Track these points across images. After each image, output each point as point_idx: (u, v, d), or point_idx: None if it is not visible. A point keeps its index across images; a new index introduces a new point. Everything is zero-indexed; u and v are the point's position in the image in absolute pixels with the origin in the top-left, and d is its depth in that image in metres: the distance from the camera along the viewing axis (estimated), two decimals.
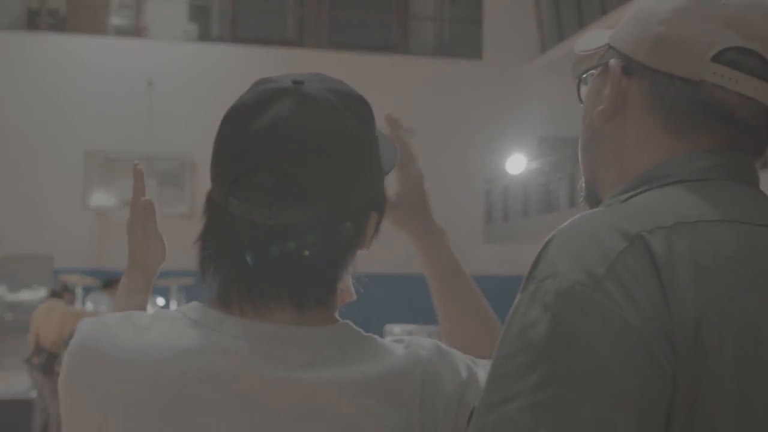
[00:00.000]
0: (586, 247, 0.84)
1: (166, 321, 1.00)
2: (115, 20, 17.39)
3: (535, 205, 16.40)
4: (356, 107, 1.02)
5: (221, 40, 17.29)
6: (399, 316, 12.91)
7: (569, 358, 0.78)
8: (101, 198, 15.50)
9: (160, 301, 7.60)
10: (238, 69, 16.47)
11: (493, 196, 17.73)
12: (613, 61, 0.99)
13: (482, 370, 1.05)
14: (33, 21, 16.82)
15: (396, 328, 8.59)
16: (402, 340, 1.04)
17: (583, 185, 1.08)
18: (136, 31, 17.17)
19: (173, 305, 8.74)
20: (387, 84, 17.32)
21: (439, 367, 1.01)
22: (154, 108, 15.68)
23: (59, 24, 16.83)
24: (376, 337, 1.03)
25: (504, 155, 16.99)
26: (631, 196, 0.93)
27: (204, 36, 17.52)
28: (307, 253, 0.97)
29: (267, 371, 0.95)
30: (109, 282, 9.05)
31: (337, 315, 1.05)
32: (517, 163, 16.78)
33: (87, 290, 11.41)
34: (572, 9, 16.96)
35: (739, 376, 0.81)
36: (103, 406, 0.96)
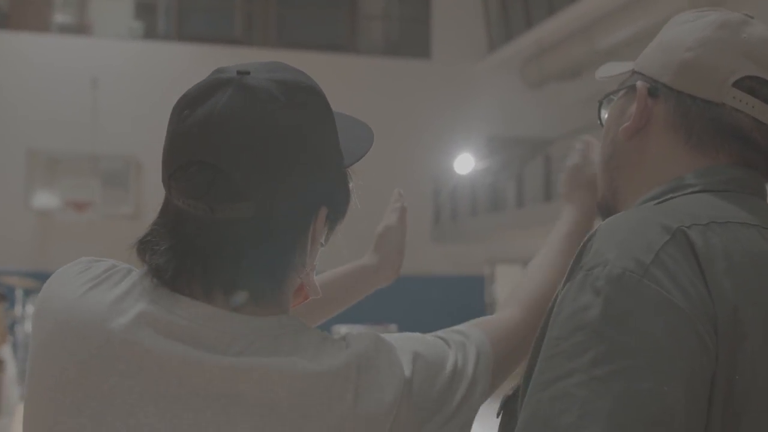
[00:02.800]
0: (631, 239, 0.92)
1: (117, 278, 1.01)
2: (59, 17, 17.13)
3: (483, 204, 16.50)
4: (301, 97, 0.99)
5: (167, 38, 17.12)
6: (347, 317, 12.89)
7: (622, 336, 0.86)
8: (44, 198, 15.24)
9: None
10: (184, 67, 16.32)
11: (442, 195, 17.80)
12: (639, 83, 1.10)
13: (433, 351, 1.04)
14: None
15: (343, 329, 8.57)
16: (344, 337, 1.02)
17: (599, 199, 1.19)
18: (80, 28, 16.93)
19: None
20: (335, 83, 17.25)
21: (377, 361, 0.99)
22: (98, 106, 15.46)
23: (1, 21, 16.53)
24: (318, 331, 1.01)
25: (452, 155, 17.06)
26: (659, 203, 1.02)
27: (150, 34, 17.33)
28: (244, 247, 0.96)
29: (191, 351, 0.94)
30: None
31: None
32: (465, 163, 16.86)
33: (28, 293, 11.22)
34: (520, 9, 17.09)
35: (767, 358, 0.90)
36: (42, 353, 0.99)
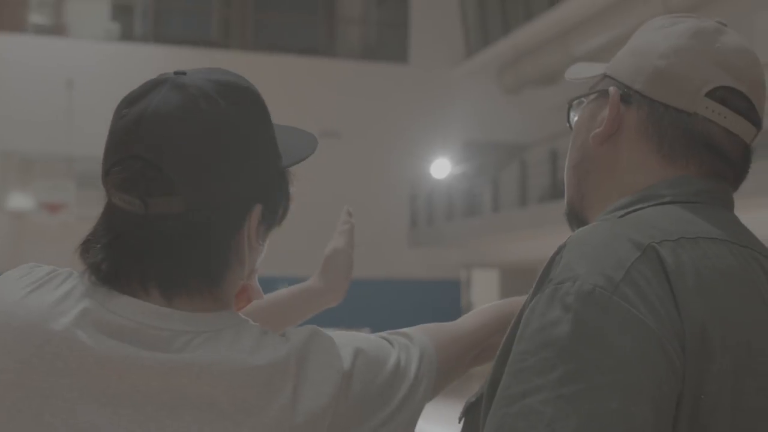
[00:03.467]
0: (602, 254, 0.91)
1: (58, 280, 1.01)
2: (35, 18, 17.03)
3: (459, 209, 16.54)
4: (235, 96, 1.00)
5: (144, 40, 17.05)
6: (319, 321, 12.86)
7: (591, 354, 0.85)
8: (18, 199, 15.12)
9: None
10: (161, 69, 15.97)
11: (418, 200, 17.83)
12: (612, 89, 1.08)
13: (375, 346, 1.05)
14: None
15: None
16: (284, 332, 1.02)
17: (566, 203, 1.15)
18: (57, 29, 16.83)
19: None
20: (312, 87, 17.28)
21: (316, 354, 1.00)
22: (74, 108, 15.37)
23: None
24: (258, 326, 1.01)
25: (429, 159, 17.10)
26: (628, 212, 1.02)
27: (126, 35, 17.26)
28: (177, 242, 0.97)
29: (131, 349, 0.95)
30: None
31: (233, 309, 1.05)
32: (441, 168, 16.90)
33: None
34: (497, 14, 17.16)
35: (735, 378, 0.90)
36: None
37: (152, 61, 16.15)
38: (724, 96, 1.03)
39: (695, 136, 1.03)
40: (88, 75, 15.70)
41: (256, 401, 0.94)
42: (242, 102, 1.01)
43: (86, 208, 14.94)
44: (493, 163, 16.94)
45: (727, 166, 1.05)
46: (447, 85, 17.92)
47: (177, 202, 0.96)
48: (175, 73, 1.01)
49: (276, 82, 17.32)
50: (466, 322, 1.23)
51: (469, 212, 16.18)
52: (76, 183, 15.00)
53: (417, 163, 17.34)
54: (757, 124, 1.05)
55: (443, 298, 17.77)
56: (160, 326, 0.96)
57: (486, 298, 19.78)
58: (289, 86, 17.14)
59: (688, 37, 1.06)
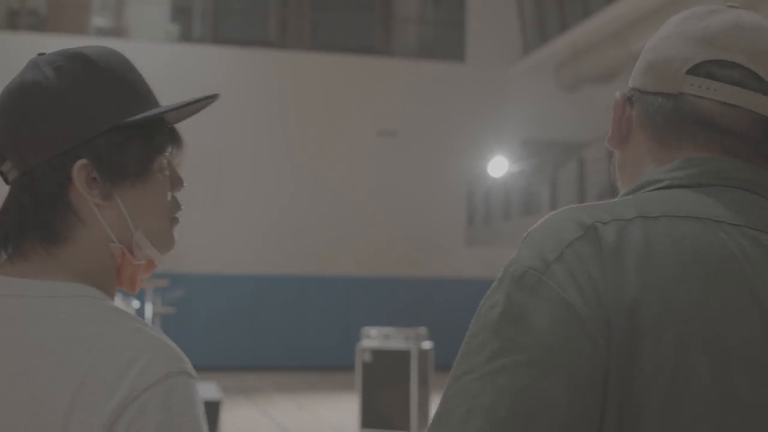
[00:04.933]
0: (546, 237, 0.95)
1: None
2: (96, 21, 17.31)
3: (517, 207, 16.44)
4: (64, 62, 1.06)
5: (203, 42, 17.25)
6: (378, 320, 12.90)
7: (514, 333, 0.89)
8: None
9: (136, 303, 7.57)
10: (219, 70, 16.43)
11: (475, 198, 17.76)
12: (617, 93, 1.11)
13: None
14: (13, 21, 16.72)
15: (372, 331, 8.59)
16: (140, 327, 1.00)
17: None
18: (118, 31, 17.10)
19: (148, 307, 8.70)
20: (369, 86, 17.31)
21: (108, 351, 0.96)
22: None
23: (39, 24, 16.74)
24: (113, 307, 1.02)
25: (486, 158, 17.02)
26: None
27: (185, 37, 17.47)
28: (16, 205, 1.04)
29: None
30: None
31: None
32: (499, 166, 16.82)
33: None
34: (555, 11, 17.03)
35: (680, 354, 0.88)
36: None
37: (211, 62, 16.34)
38: (710, 70, 1.01)
39: (683, 115, 1.02)
40: (148, 76, 15.66)
41: (54, 372, 0.95)
42: (68, 66, 1.06)
43: None
44: (551, 161, 16.81)
45: (736, 141, 1.01)
46: (504, 83, 17.83)
47: (8, 167, 1.05)
48: (39, 53, 1.09)
49: (333, 81, 17.39)
50: None
51: (527, 211, 16.08)
52: None
53: (474, 161, 17.27)
54: (766, 91, 1.00)
55: None
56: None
57: None
58: (346, 86, 17.20)
59: (676, 24, 1.07)
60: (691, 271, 0.90)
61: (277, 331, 16.43)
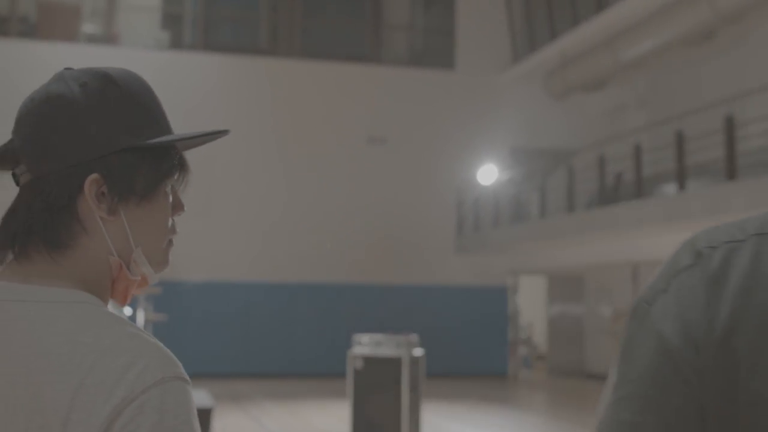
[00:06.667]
0: (666, 265, 0.94)
1: None
2: (87, 27, 17.30)
3: (506, 215, 16.47)
4: (89, 80, 1.11)
5: (193, 48, 17.25)
6: (368, 326, 12.89)
7: (624, 367, 0.91)
8: None
9: (128, 310, 7.57)
10: (210, 77, 16.43)
11: (465, 206, 17.79)
12: None
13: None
14: (3, 27, 16.70)
15: (364, 338, 8.59)
16: (135, 329, 1.03)
17: None
18: (108, 38, 17.09)
19: (140, 314, 8.69)
20: (359, 93, 17.34)
21: (109, 358, 0.98)
22: None
23: (29, 30, 16.72)
24: (113, 316, 1.04)
25: (475, 165, 17.06)
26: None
27: (176, 44, 17.46)
28: (26, 209, 1.07)
29: None
30: None
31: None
32: (488, 174, 16.86)
33: None
34: (544, 20, 17.09)
35: None
36: None
37: (202, 68, 16.34)
38: None
39: None
40: None
41: (53, 378, 0.98)
42: (93, 84, 1.11)
43: None
44: (540, 169, 16.85)
45: None
46: (493, 91, 17.88)
47: (22, 170, 1.09)
48: (66, 68, 1.14)
49: (323, 88, 17.41)
50: None
51: (516, 218, 16.12)
52: None
53: (463, 169, 17.31)
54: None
55: (489, 305, 17.70)
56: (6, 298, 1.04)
57: (533, 305, 19.67)
58: (337, 93, 17.22)
59: None
60: None
61: (268, 338, 16.42)
